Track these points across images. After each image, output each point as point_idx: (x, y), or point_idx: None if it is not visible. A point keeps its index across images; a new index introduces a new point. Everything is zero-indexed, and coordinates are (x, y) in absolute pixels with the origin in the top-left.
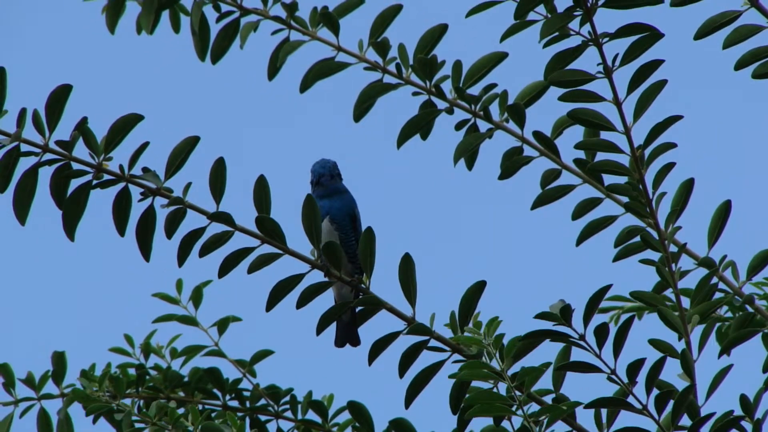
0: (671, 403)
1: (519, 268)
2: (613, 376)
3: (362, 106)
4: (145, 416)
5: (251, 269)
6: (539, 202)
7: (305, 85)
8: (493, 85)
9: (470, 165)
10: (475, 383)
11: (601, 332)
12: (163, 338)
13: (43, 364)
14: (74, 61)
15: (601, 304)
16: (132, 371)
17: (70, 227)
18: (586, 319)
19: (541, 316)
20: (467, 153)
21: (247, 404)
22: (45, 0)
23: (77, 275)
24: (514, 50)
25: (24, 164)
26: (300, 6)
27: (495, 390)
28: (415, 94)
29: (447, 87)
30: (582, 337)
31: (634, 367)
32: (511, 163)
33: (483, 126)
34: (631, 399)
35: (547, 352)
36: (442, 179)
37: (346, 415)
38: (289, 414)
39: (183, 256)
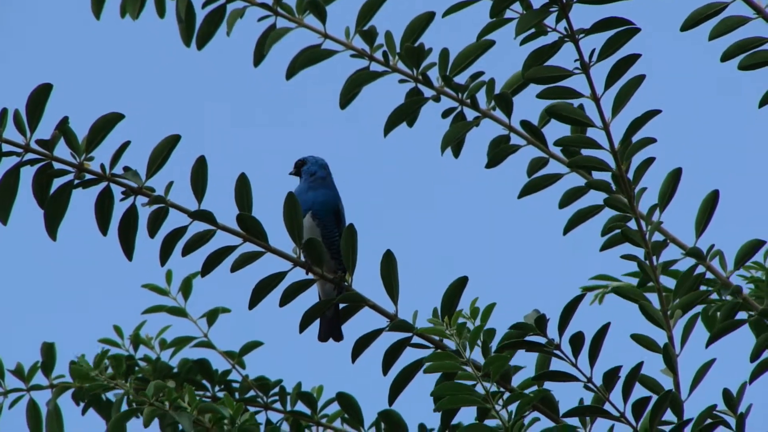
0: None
1: (506, 258)
2: (590, 384)
3: (348, 94)
4: (143, 396)
5: (234, 268)
6: (526, 191)
7: (291, 72)
8: (480, 73)
9: (457, 153)
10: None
11: (577, 341)
12: (153, 329)
13: (33, 356)
14: (55, 52)
15: (587, 284)
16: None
17: (52, 227)
18: (561, 328)
19: (516, 326)
20: (454, 141)
21: (237, 395)
22: None
23: (66, 266)
24: (501, 38)
25: (6, 164)
26: None
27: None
28: (401, 81)
29: (434, 75)
30: (557, 347)
31: (610, 376)
32: (498, 152)
33: (470, 114)
34: (608, 406)
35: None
36: (429, 168)
37: (335, 407)
38: (278, 405)
39: (165, 255)
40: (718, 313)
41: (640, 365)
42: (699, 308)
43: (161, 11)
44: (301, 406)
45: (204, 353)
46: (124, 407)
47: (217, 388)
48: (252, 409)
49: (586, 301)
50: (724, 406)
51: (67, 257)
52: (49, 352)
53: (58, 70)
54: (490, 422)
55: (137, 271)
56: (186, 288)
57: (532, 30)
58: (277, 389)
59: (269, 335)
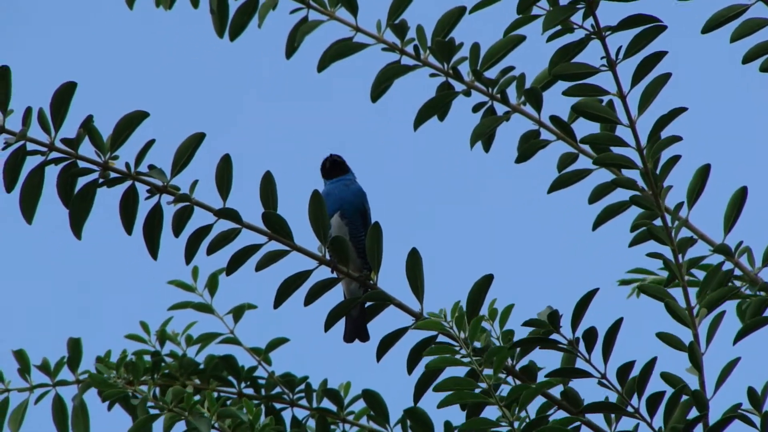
0: (663, 405)
1: (535, 253)
2: (604, 381)
3: (379, 87)
4: (162, 402)
5: (259, 267)
6: (556, 186)
7: (323, 64)
8: (511, 68)
9: (487, 147)
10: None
11: (590, 337)
12: (179, 325)
13: (59, 351)
14: (78, 48)
15: (624, 276)
16: (147, 358)
17: (77, 225)
18: (574, 324)
19: (529, 323)
20: (484, 136)
21: (263, 392)
22: None
23: (92, 263)
24: (531, 34)
25: (30, 163)
26: None
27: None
28: (432, 75)
29: (464, 69)
30: (571, 343)
31: (624, 371)
32: (528, 147)
33: (500, 109)
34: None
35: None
36: (458, 162)
37: (361, 404)
38: (304, 402)
39: (190, 254)
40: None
41: (653, 360)
42: (724, 306)
43: (195, 1)
44: (327, 403)
45: (230, 350)
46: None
47: (243, 385)
48: (278, 406)
49: (620, 297)
50: (749, 405)
51: (94, 254)
52: (75, 347)
53: (81, 65)
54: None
55: (164, 267)
56: (212, 284)
57: (559, 27)
58: (303, 386)
59: (295, 332)
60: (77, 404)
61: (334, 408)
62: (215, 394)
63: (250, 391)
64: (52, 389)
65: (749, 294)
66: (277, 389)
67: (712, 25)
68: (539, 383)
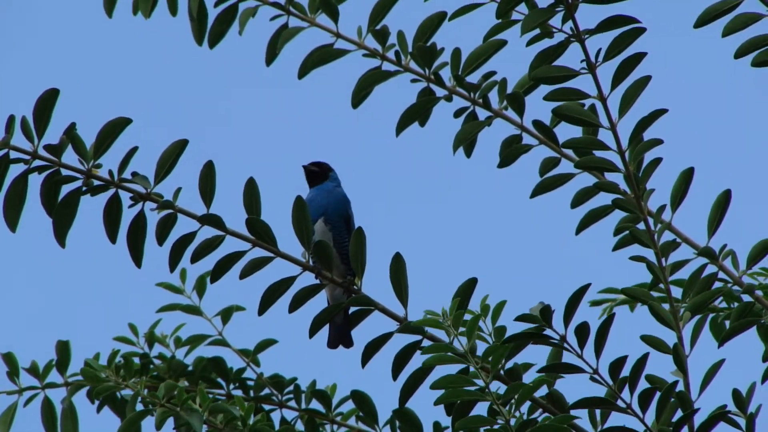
0: (655, 400)
1: (518, 258)
2: (596, 376)
3: (361, 93)
4: (154, 397)
5: (243, 274)
6: (539, 191)
7: (303, 71)
8: (492, 73)
9: (469, 153)
10: None
11: (582, 332)
12: (168, 327)
13: (47, 354)
14: (59, 53)
15: (594, 297)
16: (136, 360)
17: (60, 234)
18: (567, 320)
19: (521, 318)
20: (466, 141)
21: (251, 393)
22: None
23: (80, 264)
24: (513, 39)
25: (13, 172)
26: None
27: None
28: (413, 81)
29: (446, 74)
30: (563, 338)
31: (616, 366)
32: (511, 151)
33: (482, 114)
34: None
35: (540, 351)
36: (440, 167)
37: (350, 405)
38: (293, 403)
39: (174, 262)
40: (726, 322)
41: (646, 356)
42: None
43: (173, 9)
44: (315, 404)
45: (219, 351)
46: (139, 406)
47: (232, 386)
48: (267, 407)
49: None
50: (734, 407)
51: (80, 256)
52: (63, 350)
53: (63, 71)
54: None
55: (152, 269)
56: (200, 286)
57: (538, 31)
58: (291, 387)
59: (284, 333)
60: (66, 407)
61: (323, 409)
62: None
63: (238, 392)
64: (41, 392)
65: (725, 308)
66: (266, 390)
67: (705, 19)
68: (536, 380)
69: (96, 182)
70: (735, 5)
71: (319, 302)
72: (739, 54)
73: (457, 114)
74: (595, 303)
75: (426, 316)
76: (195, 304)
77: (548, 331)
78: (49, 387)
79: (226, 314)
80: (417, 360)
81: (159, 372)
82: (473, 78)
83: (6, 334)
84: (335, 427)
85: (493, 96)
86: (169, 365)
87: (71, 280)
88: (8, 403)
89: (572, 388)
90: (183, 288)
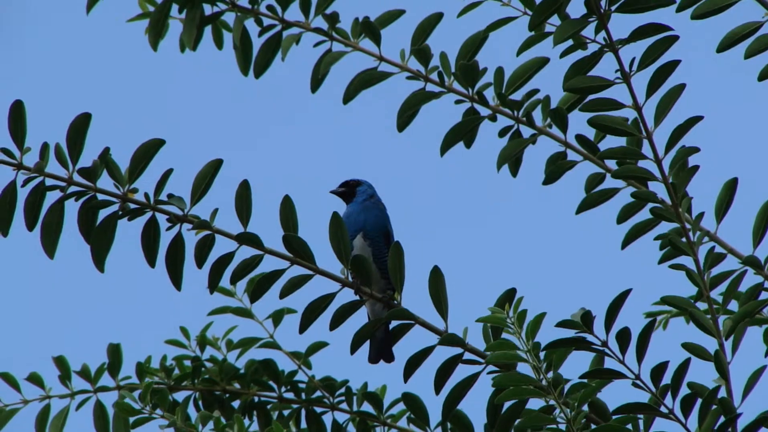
0: (698, 406)
1: (564, 274)
2: (638, 381)
3: (405, 115)
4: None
5: (283, 294)
6: (584, 206)
7: (348, 95)
8: (536, 91)
9: (514, 171)
10: None
11: (624, 338)
12: (219, 330)
13: (99, 357)
14: (92, 78)
15: (650, 309)
16: (188, 363)
17: (99, 259)
18: (608, 325)
19: (563, 324)
20: (511, 159)
21: (303, 396)
22: (67, 18)
23: (132, 268)
24: (555, 57)
25: (50, 199)
26: (341, 17)
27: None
28: (457, 102)
29: (489, 94)
30: (604, 344)
31: (657, 372)
32: (555, 168)
33: (526, 132)
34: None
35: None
36: (485, 186)
37: (401, 406)
38: (344, 406)
39: (214, 283)
40: None
41: (687, 361)
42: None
43: (219, 43)
44: (367, 407)
45: (270, 354)
46: (191, 409)
47: (283, 389)
48: (318, 410)
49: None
50: None
51: (133, 258)
52: (115, 353)
53: (94, 92)
54: None
55: (203, 271)
56: (252, 289)
57: (571, 42)
58: (343, 390)
59: (335, 336)
60: (118, 410)
61: (374, 411)
62: (255, 399)
63: (290, 395)
64: (93, 395)
65: None
66: (318, 393)
67: (727, 43)
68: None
69: (132, 205)
70: (756, 28)
71: (361, 316)
72: (763, 77)
73: (502, 133)
74: (650, 315)
75: (490, 314)
76: (246, 307)
77: (590, 337)
78: (101, 390)
79: (277, 317)
80: (457, 373)
81: (211, 375)
82: (516, 96)
83: (59, 338)
84: (386, 429)
85: (537, 114)
86: (221, 368)
87: (122, 284)
88: (60, 406)
89: (613, 395)
90: (234, 291)
